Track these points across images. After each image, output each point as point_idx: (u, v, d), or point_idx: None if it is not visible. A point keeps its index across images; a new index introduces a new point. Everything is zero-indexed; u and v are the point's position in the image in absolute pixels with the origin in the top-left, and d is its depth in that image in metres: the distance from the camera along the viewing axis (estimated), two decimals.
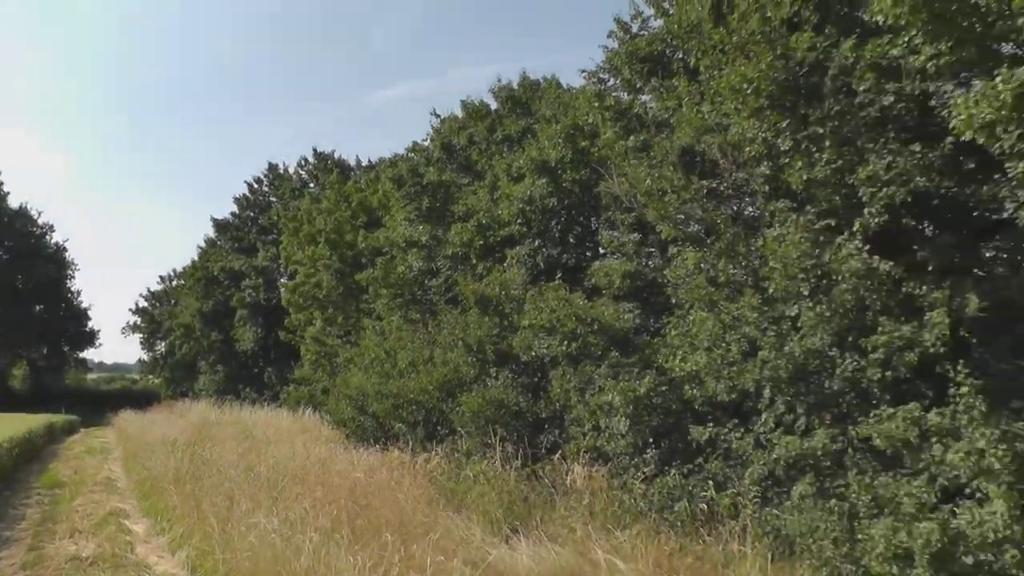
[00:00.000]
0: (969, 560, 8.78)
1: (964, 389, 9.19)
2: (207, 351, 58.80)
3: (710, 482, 12.08)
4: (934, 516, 9.12)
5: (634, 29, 17.83)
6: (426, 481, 15.83)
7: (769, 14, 11.77)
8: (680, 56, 16.17)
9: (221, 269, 55.68)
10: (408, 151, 29.50)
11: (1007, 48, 9.18)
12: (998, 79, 8.30)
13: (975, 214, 10.99)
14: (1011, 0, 8.32)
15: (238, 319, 53.37)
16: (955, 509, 9.15)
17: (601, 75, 18.79)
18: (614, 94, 18.10)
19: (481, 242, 21.40)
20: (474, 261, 21.78)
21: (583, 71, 19.21)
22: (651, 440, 13.36)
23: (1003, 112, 8.33)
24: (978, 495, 9.06)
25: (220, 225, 60.80)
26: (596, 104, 17.81)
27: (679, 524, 11.81)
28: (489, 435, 16.03)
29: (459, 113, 27.04)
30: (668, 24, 16.54)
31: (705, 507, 11.77)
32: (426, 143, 28.13)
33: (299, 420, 33.01)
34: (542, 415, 16.08)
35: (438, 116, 27.88)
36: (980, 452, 8.76)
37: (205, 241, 62.99)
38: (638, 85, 17.65)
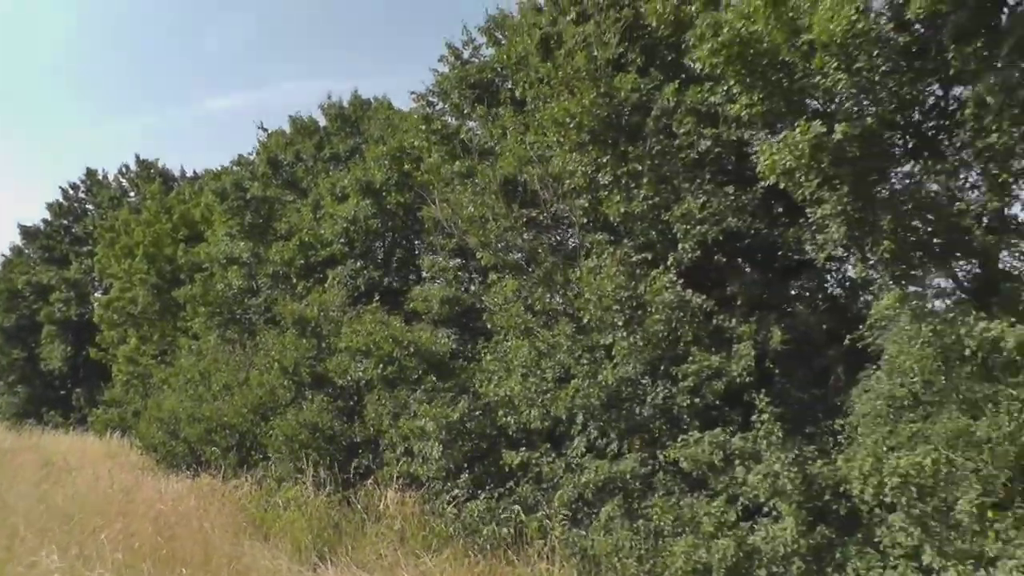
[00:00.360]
0: (763, 573, 9.33)
1: (765, 416, 9.74)
2: (7, 370, 54.41)
3: (517, 506, 12.15)
4: (731, 533, 9.59)
5: (465, 55, 17.98)
6: (235, 509, 15.29)
7: (595, 53, 12.11)
8: (508, 86, 16.38)
9: (27, 283, 52.11)
10: (233, 164, 28.54)
11: (814, 103, 9.72)
12: (797, 130, 8.81)
13: (780, 254, 11.60)
14: (812, 60, 8.85)
15: (45, 335, 49.79)
16: (754, 526, 9.65)
17: (430, 99, 18.79)
18: (442, 118, 18.13)
19: (302, 261, 20.88)
20: (295, 281, 21.24)
21: (413, 93, 19.11)
22: (464, 465, 13.34)
23: (802, 161, 8.87)
24: (773, 513, 9.58)
25: (29, 232, 56.45)
26: (423, 128, 17.80)
27: (488, 547, 11.82)
28: (302, 460, 15.62)
29: (287, 128, 26.43)
30: (499, 54, 16.75)
31: (513, 530, 11.84)
32: (252, 157, 27.26)
33: (107, 445, 31.12)
34: (356, 439, 15.76)
35: (265, 130, 26.96)
36: (776, 474, 9.28)
37: (11, 249, 58.63)
38: (466, 111, 17.75)
